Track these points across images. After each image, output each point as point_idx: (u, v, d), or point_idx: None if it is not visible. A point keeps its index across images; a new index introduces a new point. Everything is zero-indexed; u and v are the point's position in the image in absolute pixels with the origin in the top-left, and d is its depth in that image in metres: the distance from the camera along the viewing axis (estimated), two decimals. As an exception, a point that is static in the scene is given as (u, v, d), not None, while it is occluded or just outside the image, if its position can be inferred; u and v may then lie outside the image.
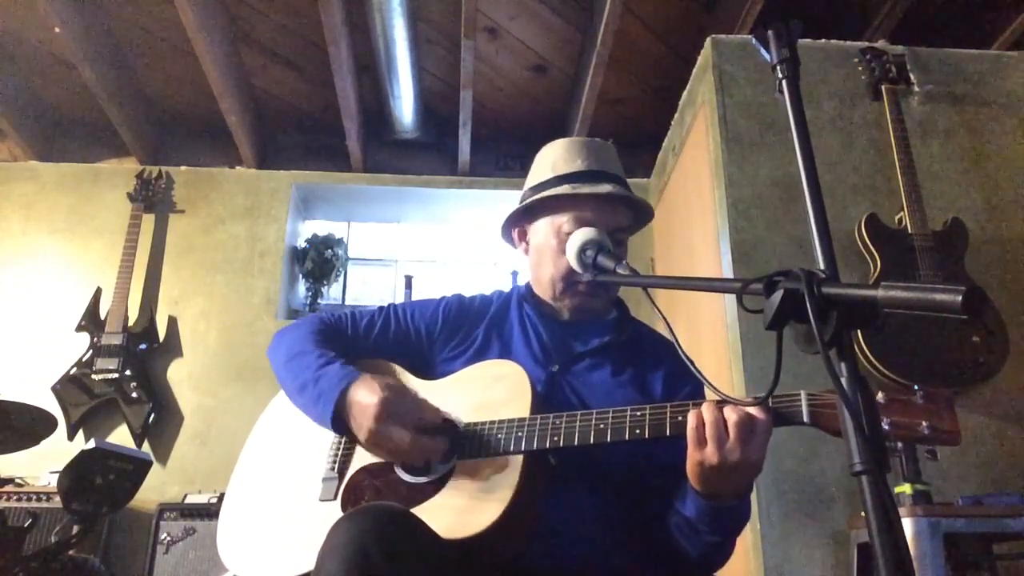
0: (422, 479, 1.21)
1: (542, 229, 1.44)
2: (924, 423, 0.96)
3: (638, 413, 1.13)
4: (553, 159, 1.45)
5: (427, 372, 1.41)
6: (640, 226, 1.50)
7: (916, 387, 0.99)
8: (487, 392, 1.27)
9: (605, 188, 1.37)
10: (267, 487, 1.36)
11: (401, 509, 1.05)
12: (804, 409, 1.04)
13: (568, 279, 1.39)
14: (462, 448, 1.21)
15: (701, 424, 1.05)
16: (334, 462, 1.30)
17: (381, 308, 1.49)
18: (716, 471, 1.05)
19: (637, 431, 1.11)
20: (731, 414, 1.03)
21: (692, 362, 1.09)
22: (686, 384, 1.36)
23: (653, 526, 1.27)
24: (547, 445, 1.15)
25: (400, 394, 1.22)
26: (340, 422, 1.23)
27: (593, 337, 1.42)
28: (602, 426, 1.13)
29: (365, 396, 1.20)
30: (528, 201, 1.44)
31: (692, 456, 1.07)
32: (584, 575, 1.18)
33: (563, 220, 1.39)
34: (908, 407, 0.98)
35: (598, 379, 1.36)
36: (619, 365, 1.38)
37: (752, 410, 1.04)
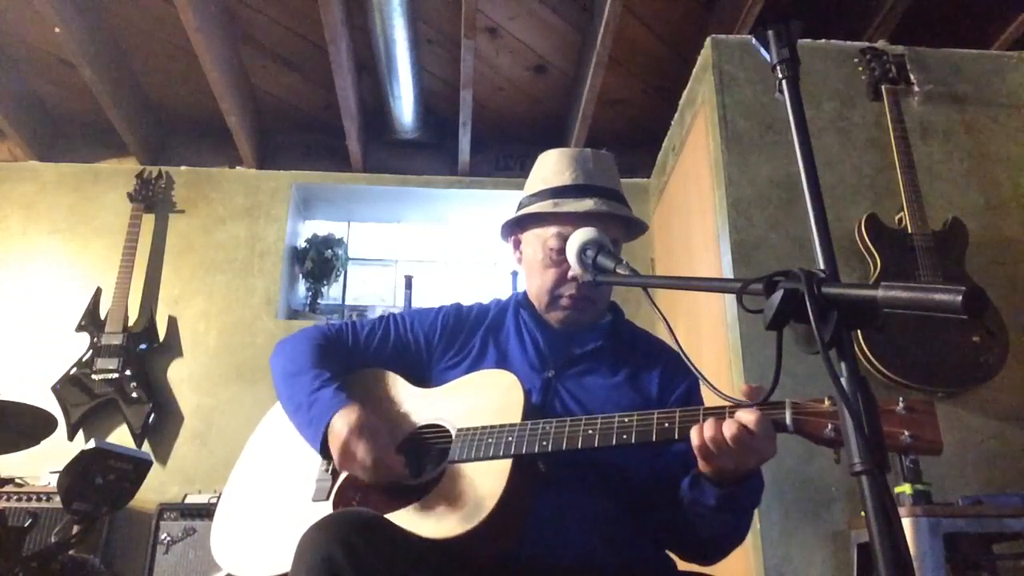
0: (412, 481, 1.23)
1: (531, 241, 1.47)
2: (906, 433, 0.97)
3: (626, 419, 1.15)
4: (544, 172, 1.47)
5: (425, 380, 1.43)
6: (635, 236, 1.51)
7: (900, 398, 1.00)
8: (480, 399, 1.29)
9: (587, 204, 1.38)
10: (262, 487, 1.38)
11: (372, 515, 1.06)
12: (788, 417, 1.05)
13: (552, 293, 1.42)
14: (452, 452, 1.23)
15: (704, 444, 1.06)
16: (328, 464, 1.32)
17: (382, 318, 1.53)
18: (729, 473, 1.10)
19: (624, 436, 1.13)
20: (728, 430, 1.05)
21: (692, 363, 1.10)
22: (681, 383, 1.38)
23: (648, 525, 1.27)
24: (536, 449, 1.16)
25: (370, 429, 1.25)
26: (327, 447, 1.28)
27: (588, 341, 1.44)
28: (590, 431, 1.15)
29: (340, 427, 1.25)
30: (516, 215, 1.48)
31: (703, 467, 1.12)
32: (575, 576, 1.18)
33: (548, 235, 1.42)
34: (890, 417, 0.98)
35: (593, 382, 1.37)
36: (614, 367, 1.40)
37: (745, 419, 1.05)
